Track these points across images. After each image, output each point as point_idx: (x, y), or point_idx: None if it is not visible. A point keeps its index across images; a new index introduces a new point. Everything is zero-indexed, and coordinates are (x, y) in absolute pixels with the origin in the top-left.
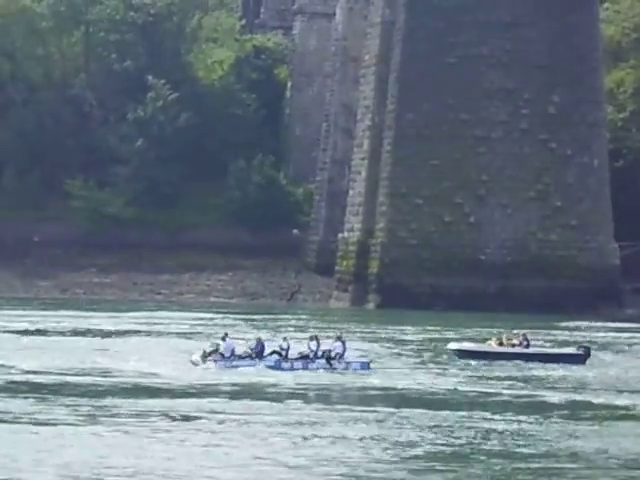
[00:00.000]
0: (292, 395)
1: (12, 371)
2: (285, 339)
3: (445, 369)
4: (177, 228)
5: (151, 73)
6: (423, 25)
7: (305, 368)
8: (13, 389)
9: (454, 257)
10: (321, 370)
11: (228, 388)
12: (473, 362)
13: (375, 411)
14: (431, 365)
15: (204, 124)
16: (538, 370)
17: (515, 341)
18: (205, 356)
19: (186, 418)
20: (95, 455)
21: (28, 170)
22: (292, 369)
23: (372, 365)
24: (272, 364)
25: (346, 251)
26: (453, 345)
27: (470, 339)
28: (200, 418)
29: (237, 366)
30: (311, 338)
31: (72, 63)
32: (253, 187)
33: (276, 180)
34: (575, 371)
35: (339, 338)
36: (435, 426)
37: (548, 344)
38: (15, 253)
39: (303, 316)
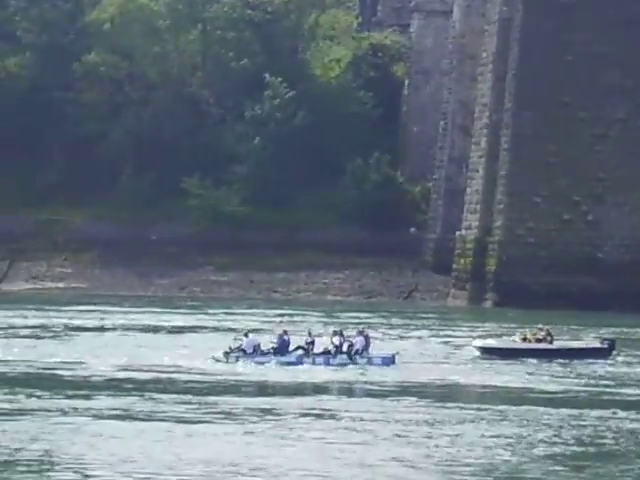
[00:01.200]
0: (397, 392)
1: (109, 368)
2: (310, 334)
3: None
4: (294, 226)
5: (268, 71)
6: (540, 23)
7: (327, 363)
8: (115, 386)
9: (572, 255)
10: (343, 365)
11: (322, 385)
12: (498, 360)
13: (479, 409)
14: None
15: (321, 122)
16: (613, 367)
17: (539, 336)
18: (228, 353)
19: (302, 415)
20: (228, 452)
21: (145, 169)
22: (314, 364)
23: (398, 360)
24: (294, 360)
25: (464, 249)
26: (477, 342)
27: (496, 336)
28: (315, 416)
29: (260, 362)
30: (334, 333)
31: (189, 61)
32: (370, 186)
33: (393, 178)
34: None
35: (361, 333)
36: (558, 425)
37: (572, 339)
38: (133, 252)
39: (419, 315)
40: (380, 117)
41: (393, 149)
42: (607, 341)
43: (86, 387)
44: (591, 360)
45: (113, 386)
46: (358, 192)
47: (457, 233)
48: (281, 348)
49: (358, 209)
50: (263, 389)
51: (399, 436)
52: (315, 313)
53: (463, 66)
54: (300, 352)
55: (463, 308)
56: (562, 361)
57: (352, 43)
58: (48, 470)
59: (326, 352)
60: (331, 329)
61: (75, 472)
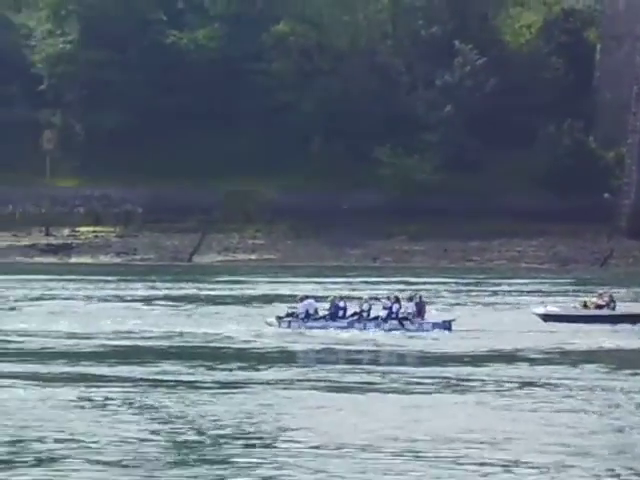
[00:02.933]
0: (587, 359)
1: (269, 339)
2: (366, 300)
3: None
4: (486, 194)
5: (458, 38)
6: None
7: (377, 328)
8: (283, 358)
9: None
10: (393, 331)
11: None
12: (559, 325)
13: None
14: None
15: (512, 89)
16: None
17: (601, 302)
18: (280, 317)
19: (496, 383)
20: (450, 423)
21: (335, 138)
22: (364, 329)
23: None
24: (345, 325)
25: None
26: (538, 309)
27: (556, 303)
28: (512, 384)
29: (311, 327)
30: (387, 298)
31: (378, 30)
32: (562, 151)
33: (586, 144)
34: None
35: (411, 299)
36: None
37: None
38: (324, 222)
39: (612, 282)
40: (572, 82)
41: (585, 115)
42: None
43: (264, 358)
44: None
45: (282, 357)
46: (550, 158)
47: None
48: (333, 313)
49: (550, 175)
50: (422, 358)
51: (614, 405)
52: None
53: None
54: (354, 318)
55: None
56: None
57: (543, 8)
58: (287, 441)
59: (377, 318)
60: (386, 295)
61: (312, 445)
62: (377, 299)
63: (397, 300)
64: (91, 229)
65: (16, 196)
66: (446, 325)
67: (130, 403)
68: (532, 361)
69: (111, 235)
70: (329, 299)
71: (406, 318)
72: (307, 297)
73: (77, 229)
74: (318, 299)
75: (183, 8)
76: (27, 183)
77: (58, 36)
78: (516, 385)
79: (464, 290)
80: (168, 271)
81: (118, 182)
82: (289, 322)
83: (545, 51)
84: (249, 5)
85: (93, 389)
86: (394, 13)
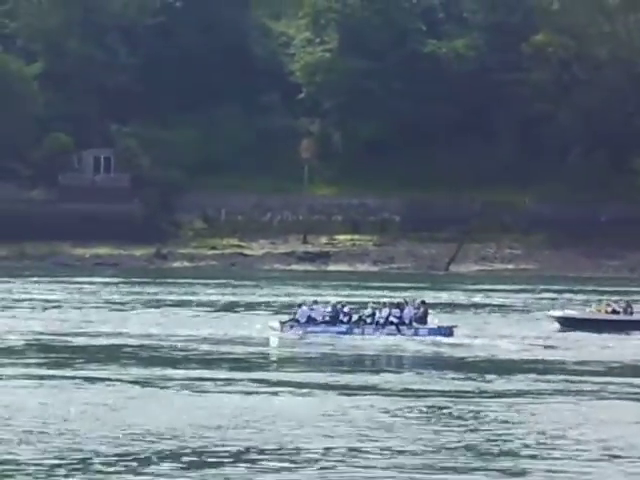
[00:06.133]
0: None
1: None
2: (370, 306)
3: None
4: None
5: None
6: None
7: (375, 334)
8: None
9: None
10: (391, 336)
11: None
12: (577, 331)
13: None
14: None
15: None
16: None
17: (617, 307)
18: (283, 322)
19: None
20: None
21: (594, 149)
22: (362, 334)
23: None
24: (344, 330)
25: None
26: (555, 312)
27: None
28: None
29: (312, 332)
30: (385, 305)
31: (638, 39)
32: None
33: None
34: None
35: (406, 304)
36: None
37: None
38: (581, 232)
39: None
40: None
41: None
42: None
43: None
44: None
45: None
46: None
47: None
48: (334, 318)
49: None
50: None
51: None
52: None
53: None
54: (353, 323)
55: None
56: None
57: None
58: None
59: (377, 323)
60: (387, 301)
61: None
62: (384, 305)
63: (397, 305)
64: (349, 237)
65: (274, 204)
66: (445, 331)
67: (410, 411)
68: None
69: (369, 243)
70: (331, 304)
71: (403, 323)
72: (315, 303)
73: (335, 237)
74: (325, 305)
75: (442, 18)
76: (285, 191)
77: (317, 44)
78: None
79: None
80: (425, 279)
81: (375, 191)
82: (291, 326)
83: None
84: (509, 15)
85: (384, 398)
86: None
